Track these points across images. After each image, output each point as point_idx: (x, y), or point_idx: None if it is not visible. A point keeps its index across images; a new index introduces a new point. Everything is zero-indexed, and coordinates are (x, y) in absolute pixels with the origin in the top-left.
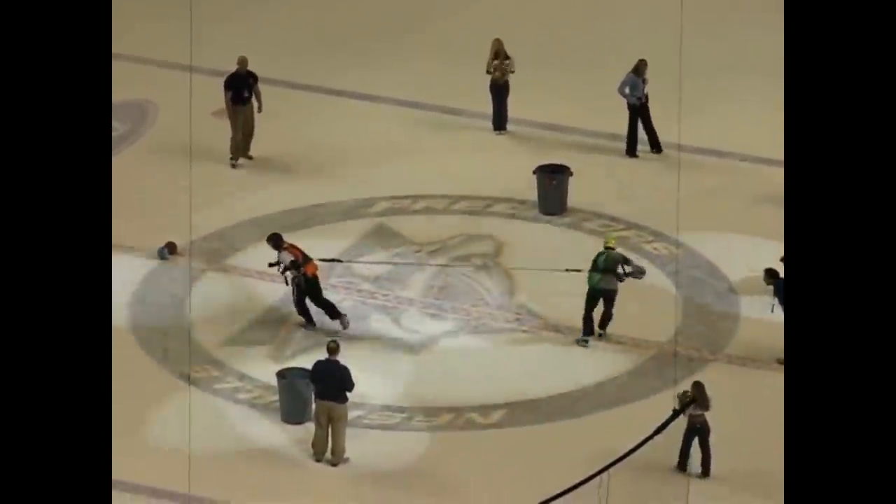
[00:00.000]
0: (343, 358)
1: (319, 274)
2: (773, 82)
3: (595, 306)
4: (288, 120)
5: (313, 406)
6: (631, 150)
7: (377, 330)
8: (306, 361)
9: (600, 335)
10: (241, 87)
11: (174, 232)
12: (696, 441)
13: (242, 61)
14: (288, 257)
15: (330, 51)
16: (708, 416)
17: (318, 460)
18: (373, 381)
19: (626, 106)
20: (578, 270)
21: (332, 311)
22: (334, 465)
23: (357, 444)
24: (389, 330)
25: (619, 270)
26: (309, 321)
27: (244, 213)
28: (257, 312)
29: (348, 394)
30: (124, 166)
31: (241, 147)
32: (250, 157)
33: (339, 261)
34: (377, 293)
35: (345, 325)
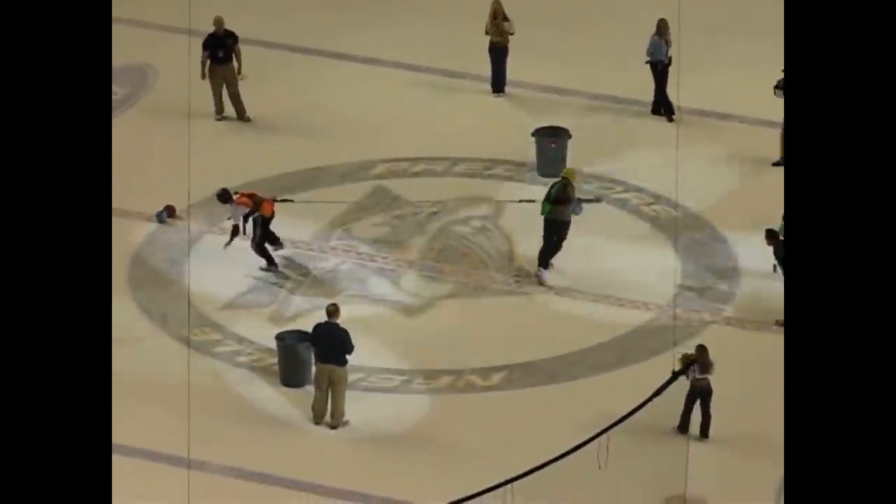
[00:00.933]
0: (342, 320)
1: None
2: (773, 43)
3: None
4: (287, 82)
5: (313, 369)
6: (668, 112)
7: (376, 292)
8: (306, 324)
9: (543, 266)
10: (216, 47)
11: (173, 195)
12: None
13: (218, 21)
14: (240, 210)
15: (329, 12)
16: (710, 378)
17: (317, 423)
18: (372, 344)
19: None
20: (532, 201)
21: (269, 261)
22: (333, 427)
23: (356, 407)
24: (388, 292)
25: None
26: (270, 262)
27: (243, 176)
28: (256, 275)
29: (348, 357)
30: (123, 129)
31: (236, 108)
32: (248, 119)
33: (291, 200)
34: (376, 256)
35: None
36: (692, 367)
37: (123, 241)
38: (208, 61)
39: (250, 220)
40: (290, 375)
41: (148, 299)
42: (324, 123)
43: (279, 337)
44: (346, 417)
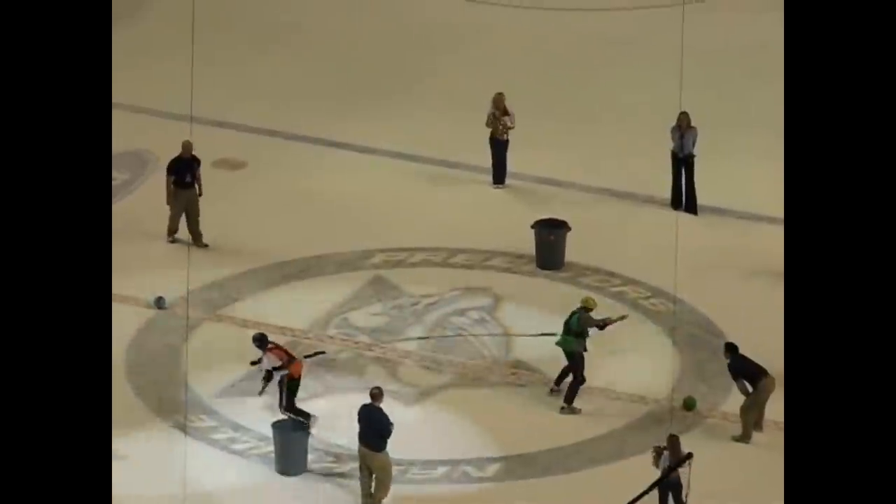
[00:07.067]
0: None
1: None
2: (776, 137)
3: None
4: (286, 171)
5: (310, 457)
6: (692, 206)
7: (374, 382)
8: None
9: (552, 391)
10: (184, 171)
11: (172, 282)
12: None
13: (186, 146)
14: (273, 361)
15: (328, 102)
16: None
17: None
18: None
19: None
20: (553, 334)
21: (304, 415)
22: None
23: (350, 497)
24: (386, 382)
25: (595, 328)
26: (306, 417)
27: (242, 264)
28: (253, 363)
29: (386, 439)
30: (122, 215)
31: (193, 233)
32: (205, 245)
33: (322, 353)
34: (374, 345)
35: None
36: (663, 458)
37: (121, 327)
38: (173, 186)
39: (277, 377)
40: (286, 463)
41: (145, 385)
42: (321, 212)
43: (275, 425)
44: None
